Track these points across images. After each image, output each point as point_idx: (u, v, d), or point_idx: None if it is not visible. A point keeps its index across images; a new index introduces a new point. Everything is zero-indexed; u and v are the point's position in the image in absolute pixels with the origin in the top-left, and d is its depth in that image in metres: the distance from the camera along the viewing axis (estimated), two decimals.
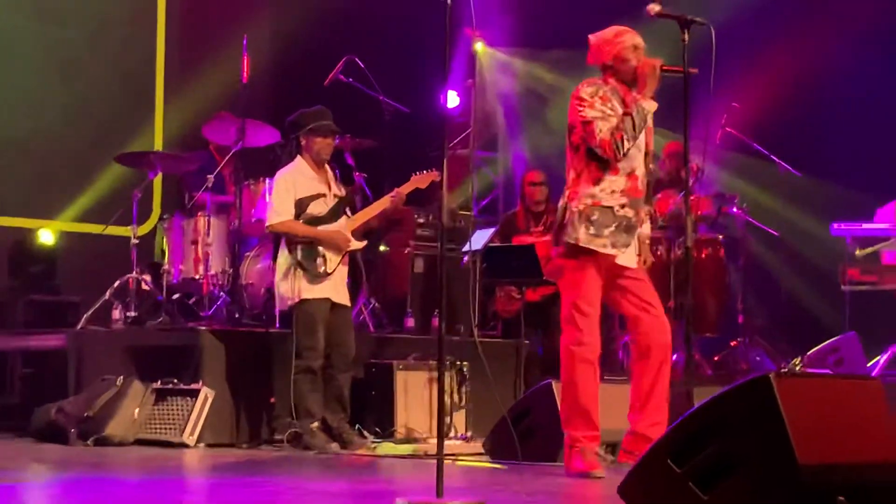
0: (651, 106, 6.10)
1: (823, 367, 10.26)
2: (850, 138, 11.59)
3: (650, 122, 6.25)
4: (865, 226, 11.24)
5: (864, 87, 11.73)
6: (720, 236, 10.69)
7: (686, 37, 5.70)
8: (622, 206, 6.12)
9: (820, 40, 11.60)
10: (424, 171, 8.37)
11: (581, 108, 6.12)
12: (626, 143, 6.04)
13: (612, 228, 6.10)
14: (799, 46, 11.63)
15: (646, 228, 6.37)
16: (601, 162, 6.11)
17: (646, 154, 6.26)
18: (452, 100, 11.80)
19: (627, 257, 6.21)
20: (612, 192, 6.12)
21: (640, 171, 6.20)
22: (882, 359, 10.51)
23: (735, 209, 10.65)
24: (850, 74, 11.72)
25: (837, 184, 11.70)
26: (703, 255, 10.35)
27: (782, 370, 9.91)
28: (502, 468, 6.66)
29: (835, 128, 11.72)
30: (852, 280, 11.10)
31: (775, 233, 11.03)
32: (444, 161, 4.93)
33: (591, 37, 6.32)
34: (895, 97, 11.77)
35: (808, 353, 10.51)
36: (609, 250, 6.10)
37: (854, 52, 11.69)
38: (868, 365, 10.43)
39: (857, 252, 11.22)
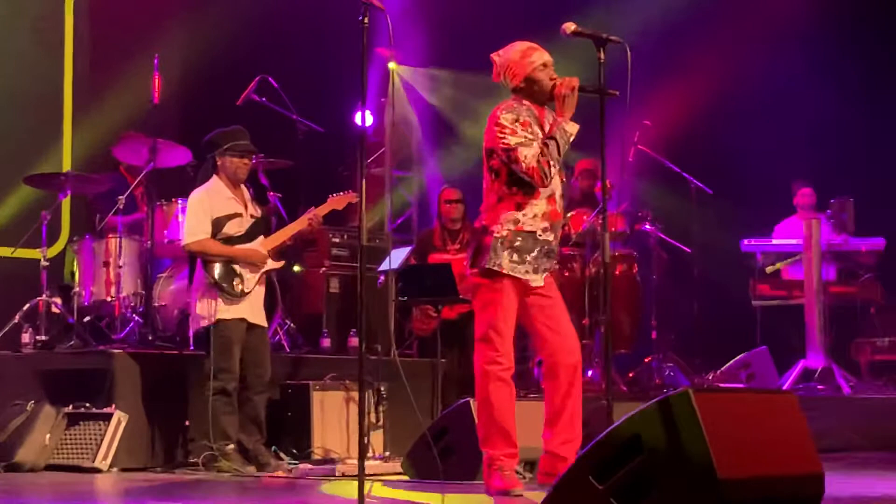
0: (573, 128, 6.05)
1: (736, 381, 10.41)
2: (755, 156, 11.79)
3: None
4: (775, 242, 11.44)
5: (771, 105, 11.94)
6: (634, 253, 10.79)
7: (602, 55, 5.72)
8: (544, 231, 6.10)
9: (729, 58, 11.79)
10: (341, 193, 8.35)
11: (502, 135, 6.03)
12: (552, 168, 6.02)
13: (535, 254, 6.07)
14: (708, 65, 11.81)
15: None
16: (523, 186, 6.05)
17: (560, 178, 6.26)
18: (366, 119, 11.78)
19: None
20: (535, 216, 6.08)
21: (559, 193, 6.19)
22: (792, 372, 10.68)
23: (647, 226, 10.75)
24: (760, 91, 11.92)
25: (746, 200, 11.88)
26: (617, 272, 10.42)
27: (697, 385, 10.03)
28: (422, 488, 6.64)
29: (743, 145, 11.91)
30: (763, 295, 11.29)
31: (687, 249, 11.15)
32: (363, 181, 4.92)
33: (495, 56, 6.23)
34: (801, 115, 12.00)
35: (721, 368, 10.65)
36: (531, 276, 6.08)
37: (762, 71, 11.90)
38: (779, 379, 10.58)
39: (767, 269, 11.41)
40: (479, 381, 6.16)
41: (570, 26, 5.85)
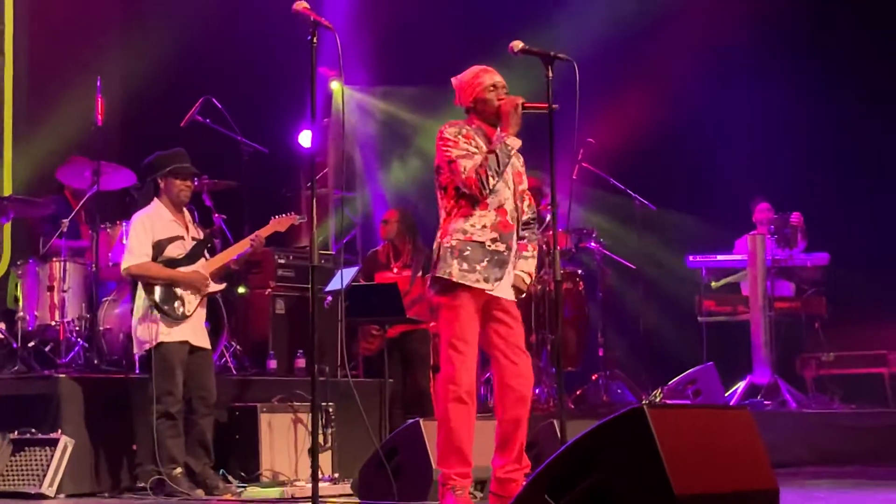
0: (515, 143, 6.13)
1: (682, 398, 10.41)
2: (705, 172, 11.83)
3: (519, 163, 6.29)
4: (720, 258, 11.48)
5: (718, 122, 11.98)
6: (579, 270, 10.80)
7: (550, 73, 5.76)
8: (493, 241, 6.13)
9: (674, 74, 11.84)
10: (284, 215, 8.31)
11: (446, 148, 6.15)
12: (490, 179, 6.07)
13: (485, 263, 6.10)
14: (653, 81, 11.86)
15: (527, 265, 6.33)
16: (469, 199, 6.13)
17: (515, 192, 6.26)
18: (309, 139, 11.75)
19: (503, 289, 6.20)
20: (483, 227, 6.13)
21: (509, 206, 6.20)
22: (739, 388, 10.72)
23: (593, 243, 10.78)
24: (705, 108, 11.96)
25: (695, 217, 11.93)
26: (563, 290, 10.42)
27: (644, 402, 10.04)
28: None
29: (690, 162, 11.95)
30: (709, 311, 11.31)
31: (633, 266, 11.18)
32: (314, 201, 4.90)
33: (453, 80, 6.36)
34: (749, 131, 12.06)
35: (668, 384, 10.67)
36: (482, 285, 6.09)
37: (707, 86, 11.95)
38: (726, 395, 10.62)
39: (713, 284, 11.45)
40: (438, 400, 6.18)
41: (517, 44, 5.95)
